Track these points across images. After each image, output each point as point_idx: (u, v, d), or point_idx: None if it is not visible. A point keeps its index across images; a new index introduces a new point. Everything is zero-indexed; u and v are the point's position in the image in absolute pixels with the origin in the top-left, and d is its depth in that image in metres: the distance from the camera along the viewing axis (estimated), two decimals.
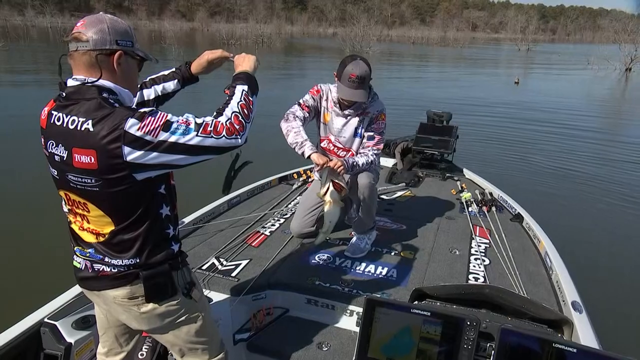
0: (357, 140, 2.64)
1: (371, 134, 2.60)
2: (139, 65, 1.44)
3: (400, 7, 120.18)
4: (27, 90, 13.16)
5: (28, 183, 5.88)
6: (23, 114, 9.52)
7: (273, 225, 3.04)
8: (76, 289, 2.04)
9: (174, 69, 1.82)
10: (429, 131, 4.57)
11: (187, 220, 2.85)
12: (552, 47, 65.93)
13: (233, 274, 2.40)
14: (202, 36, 50.58)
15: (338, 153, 2.70)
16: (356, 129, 2.62)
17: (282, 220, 3.13)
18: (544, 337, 1.41)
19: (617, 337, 2.97)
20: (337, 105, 2.60)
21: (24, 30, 40.79)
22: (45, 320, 1.88)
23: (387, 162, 4.60)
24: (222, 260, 2.55)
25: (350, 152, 2.66)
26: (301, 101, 2.61)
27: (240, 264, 2.51)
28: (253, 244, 2.76)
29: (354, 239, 2.77)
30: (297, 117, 2.53)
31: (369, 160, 2.55)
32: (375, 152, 2.59)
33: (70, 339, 1.84)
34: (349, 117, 2.61)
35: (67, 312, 1.93)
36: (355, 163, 2.49)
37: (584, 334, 1.86)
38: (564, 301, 2.19)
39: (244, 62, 1.61)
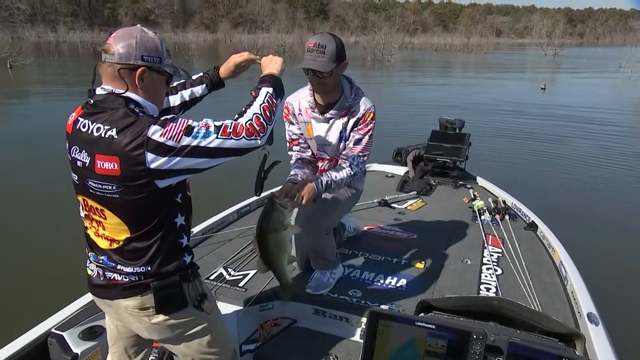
0: (343, 144, 2.26)
1: (358, 137, 2.18)
2: (168, 81, 1.46)
3: (423, 14, 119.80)
4: (49, 104, 13.61)
5: (45, 194, 6.03)
6: (44, 125, 9.87)
7: None
8: (83, 300, 2.07)
9: (201, 74, 1.85)
10: (441, 139, 4.51)
11: (196, 230, 2.86)
12: (580, 51, 64.49)
13: (241, 284, 2.39)
14: (225, 47, 51.47)
15: (325, 166, 2.37)
16: (341, 132, 2.21)
17: None
18: (553, 352, 1.35)
19: (638, 353, 2.83)
20: (316, 110, 2.22)
21: (54, 46, 42.36)
22: (53, 330, 1.91)
23: (398, 170, 4.56)
24: (230, 270, 2.54)
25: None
26: (287, 138, 2.37)
27: (248, 274, 2.50)
28: None
29: (316, 273, 2.44)
30: (297, 165, 2.35)
31: (351, 173, 2.15)
32: (361, 161, 2.19)
33: (76, 349, 1.86)
34: (331, 121, 2.21)
35: (74, 322, 1.96)
36: (330, 181, 2.08)
37: (600, 348, 1.78)
38: (579, 313, 2.10)
39: (271, 65, 1.64)
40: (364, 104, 2.19)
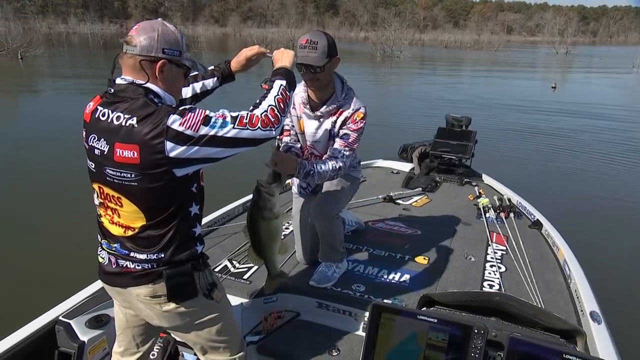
0: (332, 142, 2.27)
1: (346, 132, 2.18)
2: (186, 74, 1.49)
3: (433, 10, 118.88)
4: (57, 94, 13.72)
5: (53, 182, 6.11)
6: (51, 116, 9.96)
7: (287, 228, 3.04)
8: (90, 289, 2.11)
9: (213, 67, 1.88)
10: (447, 136, 4.51)
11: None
12: (593, 49, 63.79)
13: (245, 277, 2.41)
14: (234, 41, 51.52)
15: None
16: (330, 131, 2.24)
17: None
18: (554, 348, 1.36)
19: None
20: (308, 106, 2.25)
21: (64, 37, 42.61)
22: (60, 318, 1.94)
23: (404, 166, 4.57)
24: (234, 262, 2.57)
25: None
26: None
27: (252, 266, 2.52)
28: None
29: (321, 266, 2.48)
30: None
31: (337, 166, 2.13)
32: (347, 155, 2.17)
33: (83, 337, 1.90)
34: (322, 120, 2.24)
35: (80, 311, 1.99)
36: (313, 171, 2.07)
37: (602, 346, 1.79)
38: (582, 311, 2.11)
39: (283, 58, 1.68)
40: (354, 104, 2.20)
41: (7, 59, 23.57)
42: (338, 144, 2.19)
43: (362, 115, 2.18)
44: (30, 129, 9.40)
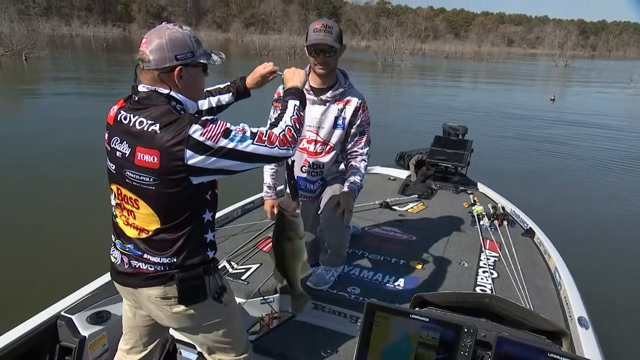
0: (338, 131, 2.32)
1: (362, 128, 2.34)
2: (204, 69, 1.51)
3: (435, 21, 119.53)
4: (60, 95, 13.77)
5: (55, 181, 6.14)
6: (54, 117, 10.01)
7: None
8: (91, 286, 2.15)
9: (229, 83, 1.93)
10: (444, 144, 4.58)
11: None
12: (592, 63, 64.08)
13: (243, 277, 2.46)
14: (236, 47, 51.75)
15: (315, 149, 2.36)
16: (336, 118, 2.30)
17: None
18: (540, 347, 1.41)
19: (624, 356, 2.88)
20: (311, 92, 2.28)
21: (67, 39, 42.70)
22: (62, 313, 1.97)
23: (401, 173, 4.63)
24: (233, 263, 2.62)
25: (329, 146, 2.35)
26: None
27: (250, 267, 2.57)
28: (264, 249, 2.81)
29: (320, 269, 2.54)
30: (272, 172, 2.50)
31: (365, 164, 2.38)
32: (368, 149, 2.38)
33: (84, 332, 1.93)
34: (327, 104, 2.29)
35: (82, 306, 2.03)
36: (359, 184, 2.29)
37: (589, 350, 1.84)
38: (570, 317, 2.16)
39: (295, 77, 1.72)
40: (358, 95, 2.34)
41: (11, 60, 23.66)
42: (359, 142, 2.36)
43: (366, 104, 2.35)
44: (31, 129, 9.41)
